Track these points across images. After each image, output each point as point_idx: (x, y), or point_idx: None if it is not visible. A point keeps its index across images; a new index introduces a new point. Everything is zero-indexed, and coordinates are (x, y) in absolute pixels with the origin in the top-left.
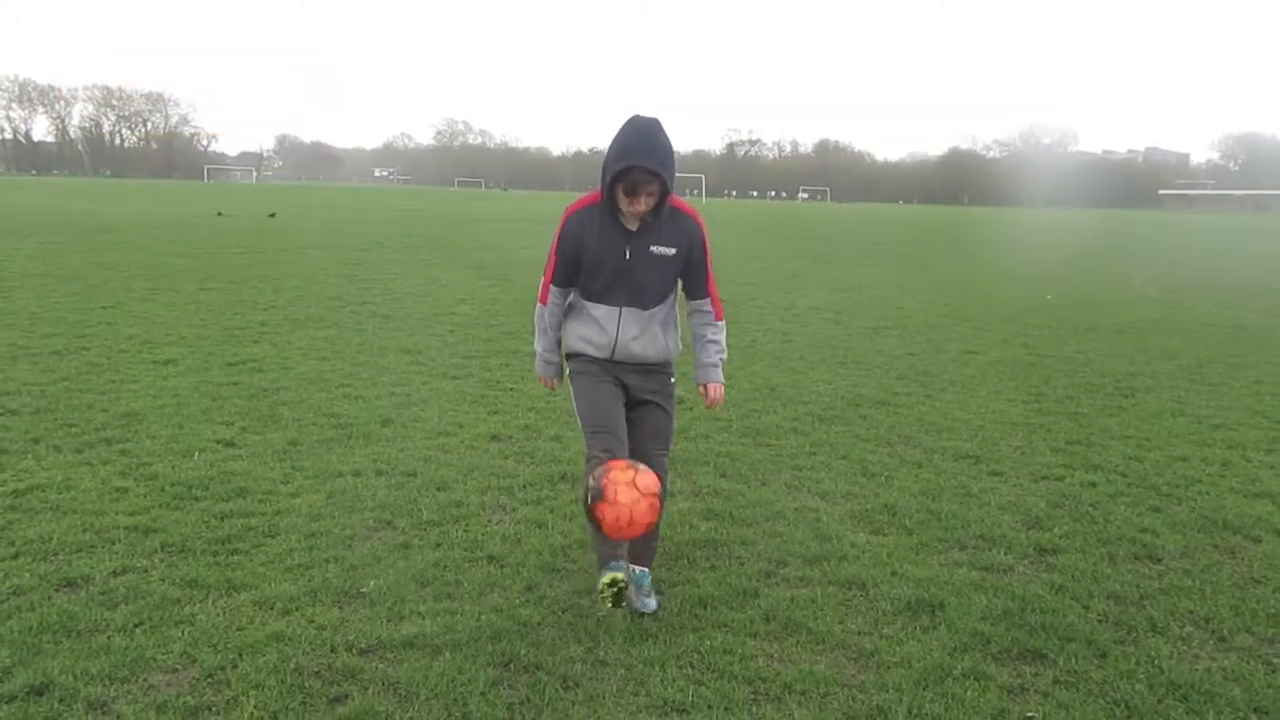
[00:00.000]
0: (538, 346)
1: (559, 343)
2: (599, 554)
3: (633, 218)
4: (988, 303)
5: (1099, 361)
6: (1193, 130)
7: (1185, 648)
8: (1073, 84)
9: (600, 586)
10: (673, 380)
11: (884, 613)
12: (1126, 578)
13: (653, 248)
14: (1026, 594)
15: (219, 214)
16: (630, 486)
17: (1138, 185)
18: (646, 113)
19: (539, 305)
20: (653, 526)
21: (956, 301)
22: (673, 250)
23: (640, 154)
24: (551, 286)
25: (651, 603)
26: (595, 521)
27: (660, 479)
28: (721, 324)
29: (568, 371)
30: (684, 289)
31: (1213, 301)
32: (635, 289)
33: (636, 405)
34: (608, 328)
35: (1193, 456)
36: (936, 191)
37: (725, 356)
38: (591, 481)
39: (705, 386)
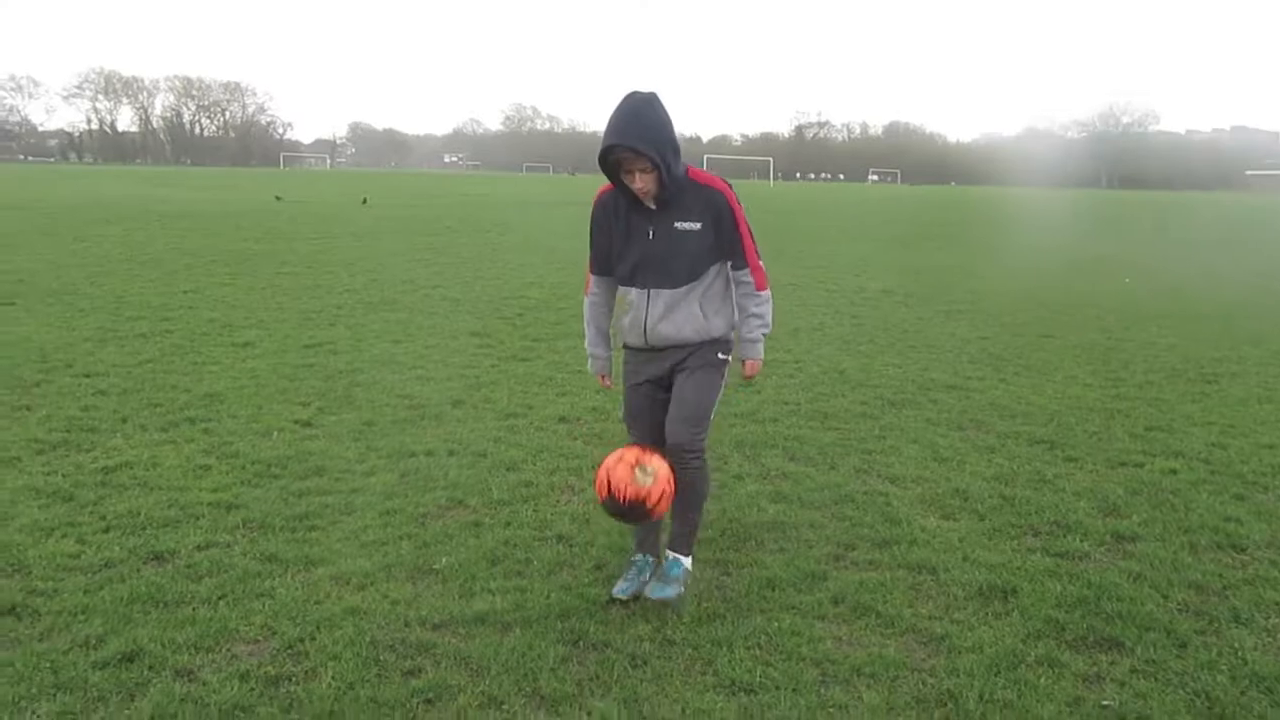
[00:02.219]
0: (587, 344)
1: (608, 336)
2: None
3: (644, 196)
4: (1063, 286)
5: (1181, 346)
6: None
7: (1271, 639)
8: (1154, 60)
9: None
10: (721, 355)
11: (955, 598)
12: (1208, 567)
13: (677, 224)
14: (1103, 582)
15: (277, 198)
16: (619, 460)
17: (1223, 166)
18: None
19: (584, 297)
20: (638, 502)
21: (1030, 285)
22: (698, 224)
23: (618, 133)
24: (592, 276)
25: (667, 590)
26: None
27: (690, 451)
28: (764, 294)
29: (606, 384)
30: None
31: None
32: (662, 269)
33: (676, 380)
34: (638, 312)
35: None
36: (1008, 173)
37: (769, 330)
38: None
39: (743, 362)
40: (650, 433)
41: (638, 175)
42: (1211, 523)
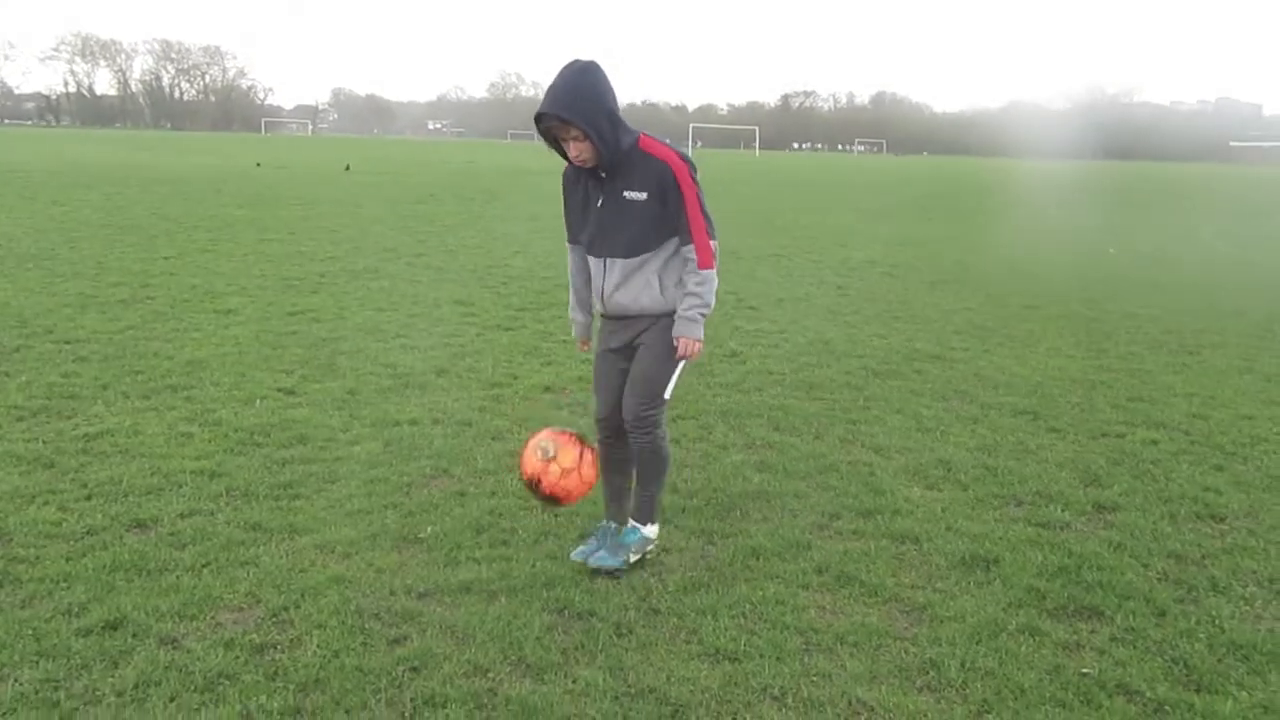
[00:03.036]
0: (569, 310)
1: (588, 303)
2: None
3: (582, 163)
4: (1047, 257)
5: (1164, 318)
6: (1270, 79)
7: (1248, 608)
8: (1139, 31)
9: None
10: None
11: (938, 567)
12: (1188, 536)
13: (625, 193)
14: (1084, 551)
15: (258, 165)
16: (532, 437)
17: (1207, 137)
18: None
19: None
20: (535, 485)
21: (1015, 256)
22: (644, 195)
23: (548, 102)
24: (568, 245)
25: (612, 560)
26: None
27: (639, 425)
28: (706, 273)
29: (583, 348)
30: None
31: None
32: (613, 237)
33: (636, 353)
34: (596, 279)
35: (1260, 415)
36: (994, 144)
37: (707, 310)
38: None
39: (676, 340)
40: (609, 401)
41: (572, 143)
42: (1191, 493)
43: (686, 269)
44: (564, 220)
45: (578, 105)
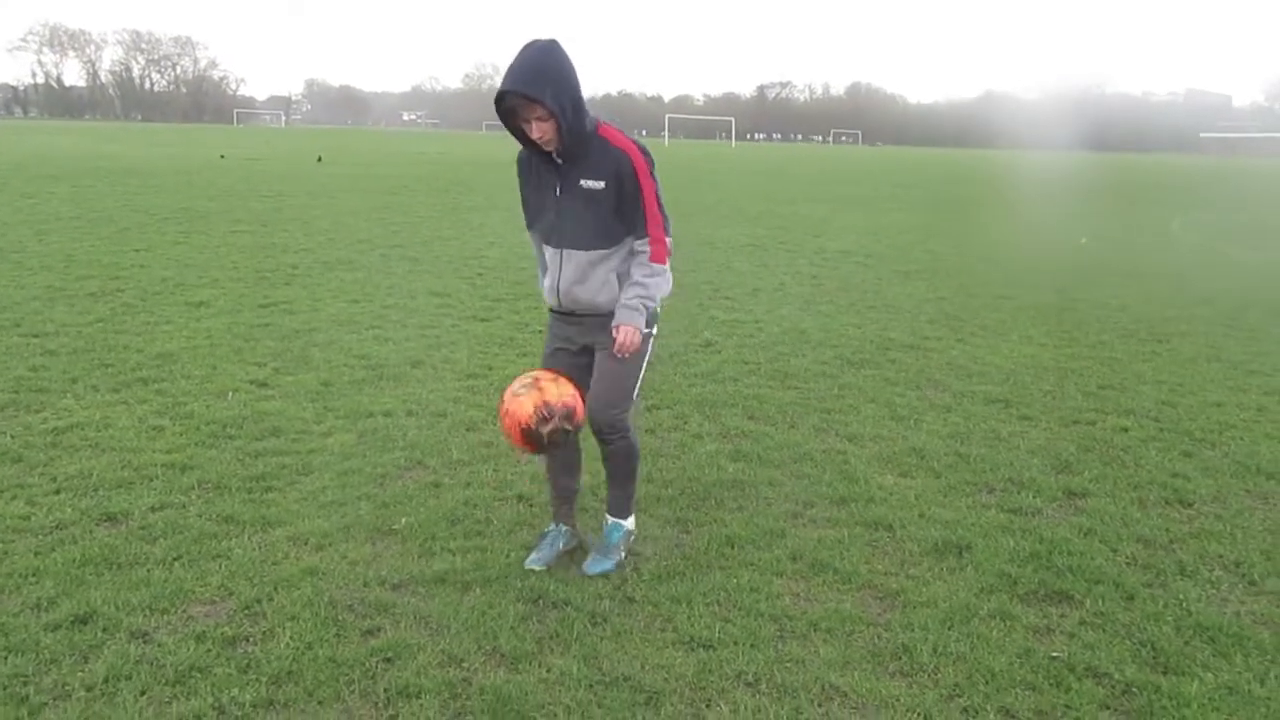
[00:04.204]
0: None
1: None
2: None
3: (545, 145)
4: (1020, 247)
5: (1134, 306)
6: (1238, 72)
7: (1214, 591)
8: (1110, 24)
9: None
10: (645, 329)
11: (911, 554)
12: (1156, 522)
13: (582, 181)
14: (1054, 537)
15: (221, 156)
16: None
17: (1177, 128)
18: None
19: None
20: (524, 435)
21: (987, 246)
22: (601, 184)
23: (511, 79)
24: (527, 230)
25: (606, 563)
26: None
27: (612, 430)
28: (657, 267)
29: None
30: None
31: (1252, 246)
32: (570, 228)
33: (597, 356)
34: (552, 271)
35: (1227, 402)
36: (970, 135)
37: (652, 304)
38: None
39: (615, 328)
40: None
41: (535, 124)
42: (1160, 479)
43: (636, 261)
44: (522, 206)
45: (542, 83)
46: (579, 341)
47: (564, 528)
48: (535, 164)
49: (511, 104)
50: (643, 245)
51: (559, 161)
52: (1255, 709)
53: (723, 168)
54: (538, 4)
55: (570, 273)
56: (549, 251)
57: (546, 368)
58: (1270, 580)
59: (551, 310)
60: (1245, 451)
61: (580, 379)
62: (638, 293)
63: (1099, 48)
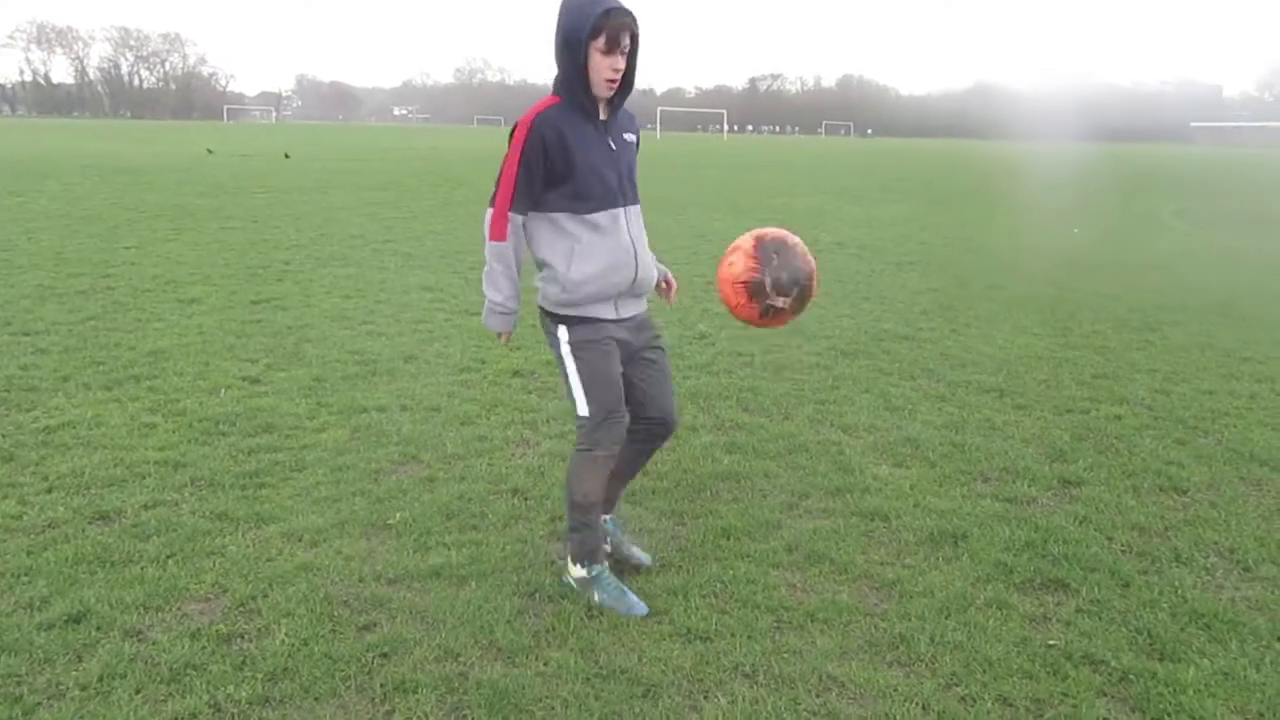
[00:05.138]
0: (496, 295)
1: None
2: (583, 547)
3: (608, 91)
4: (1013, 237)
5: (1127, 296)
6: (1229, 63)
7: (1209, 578)
8: (1101, 13)
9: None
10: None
11: (906, 544)
12: (1151, 509)
13: (624, 134)
14: (1050, 525)
15: (209, 151)
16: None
17: (1168, 118)
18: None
19: (494, 244)
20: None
21: (981, 236)
22: (634, 137)
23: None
24: (511, 215)
25: (643, 554)
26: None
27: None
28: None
29: (568, 339)
30: None
31: (1243, 235)
32: (629, 182)
33: (642, 366)
34: (623, 237)
35: (1220, 390)
36: (960, 126)
37: None
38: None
39: (665, 281)
40: (622, 399)
41: (619, 57)
42: (1154, 466)
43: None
44: (518, 185)
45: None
46: (631, 343)
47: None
48: (578, 126)
49: (620, 21)
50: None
51: (603, 119)
52: (1251, 694)
53: (715, 160)
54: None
55: (638, 230)
56: (607, 217)
57: (611, 391)
58: (1264, 566)
59: (592, 318)
60: (1238, 439)
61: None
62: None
63: (1090, 38)
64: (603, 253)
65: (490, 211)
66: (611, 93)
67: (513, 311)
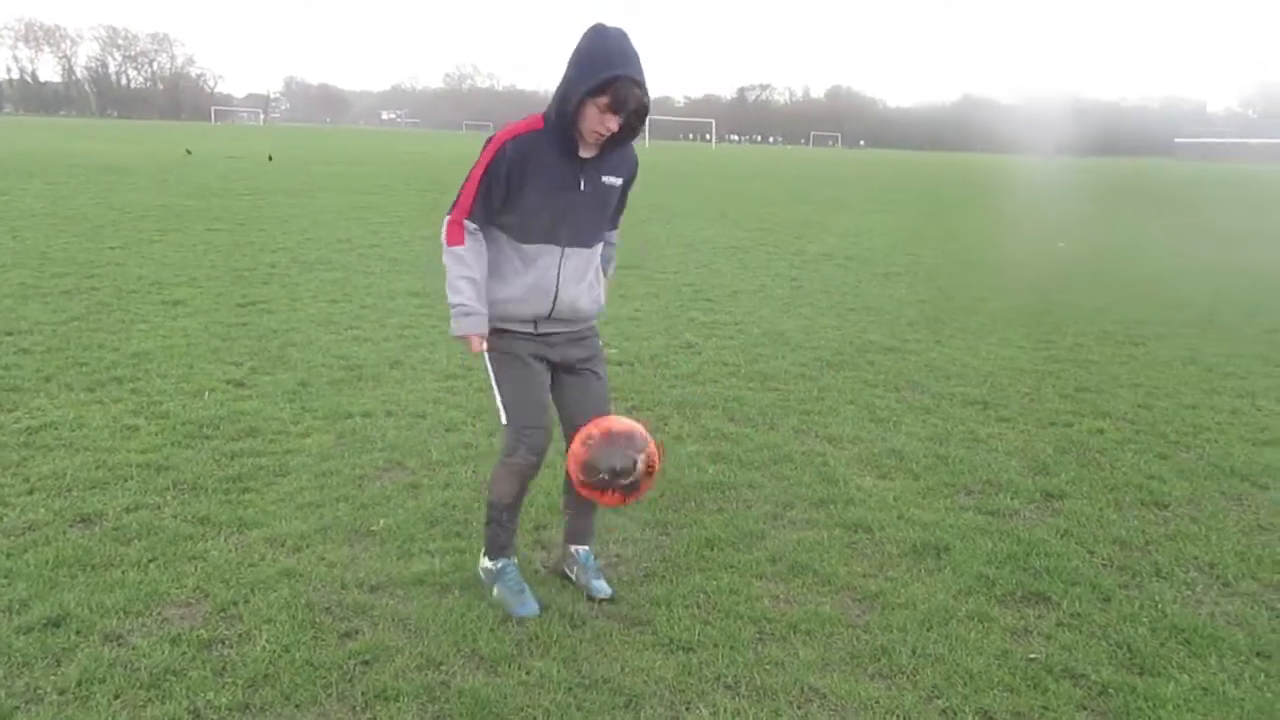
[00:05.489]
0: (456, 297)
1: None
2: (494, 542)
3: (595, 141)
4: (998, 250)
5: (1111, 309)
6: (1213, 79)
7: (1189, 592)
8: (1085, 31)
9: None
10: (600, 342)
11: (889, 555)
12: (1132, 523)
13: (604, 178)
14: (1032, 538)
15: (187, 152)
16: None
17: (1152, 134)
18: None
19: (450, 249)
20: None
21: (967, 249)
22: (619, 181)
23: (625, 64)
24: (466, 223)
25: (605, 585)
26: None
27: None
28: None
29: (485, 347)
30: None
31: (1227, 250)
32: (582, 225)
33: (567, 373)
34: (547, 274)
35: (1202, 404)
36: (948, 139)
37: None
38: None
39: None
40: (546, 420)
41: (615, 119)
42: (1136, 481)
43: (609, 254)
44: (476, 196)
45: (643, 73)
46: (551, 359)
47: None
48: (539, 157)
49: (625, 93)
50: (613, 236)
51: (584, 156)
52: (1230, 710)
53: (703, 169)
54: (518, 5)
55: (569, 273)
56: (539, 250)
57: (528, 402)
58: (1244, 581)
59: (512, 326)
60: (1219, 454)
61: (547, 397)
62: (614, 266)
63: (1075, 54)
64: (522, 284)
65: (447, 218)
66: (597, 143)
67: (477, 313)
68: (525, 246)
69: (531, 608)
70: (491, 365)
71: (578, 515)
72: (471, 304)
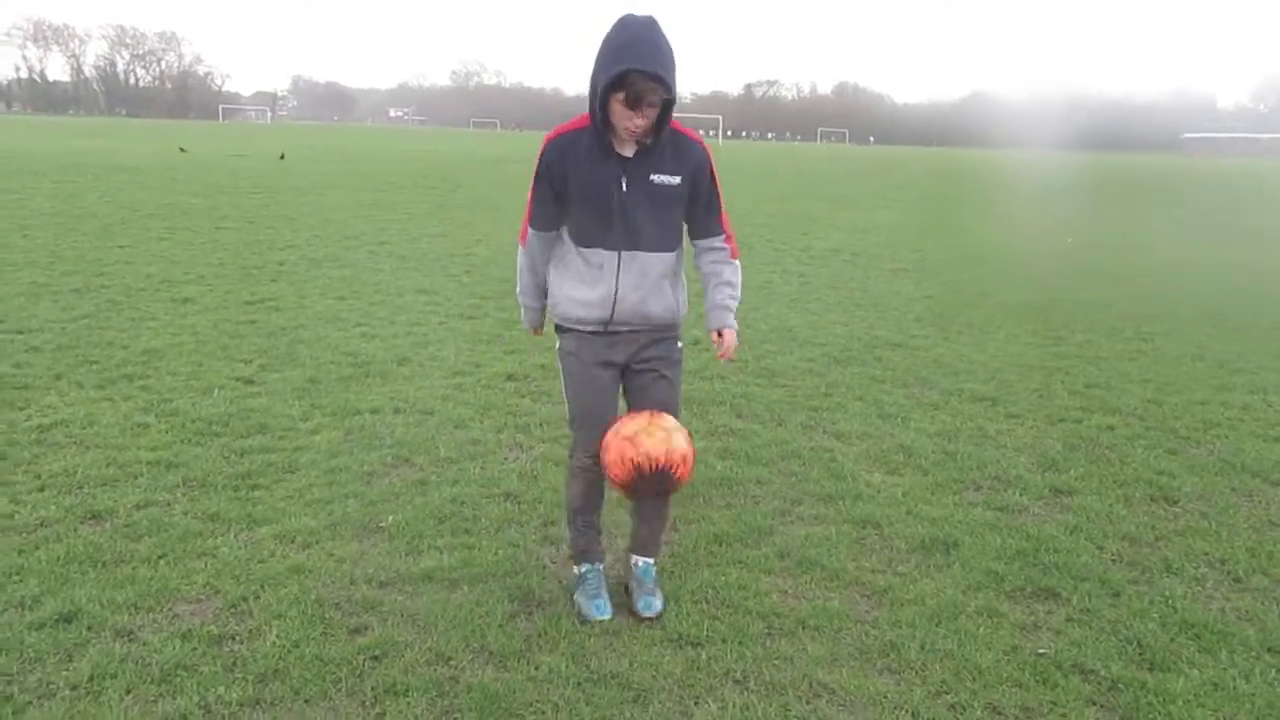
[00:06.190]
0: (520, 295)
1: (544, 289)
2: (574, 547)
3: (629, 138)
4: (1006, 246)
5: (1119, 305)
6: (1222, 73)
7: (1199, 588)
8: (1095, 25)
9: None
10: (680, 345)
11: (898, 551)
12: (1142, 519)
13: (653, 177)
14: (1041, 534)
15: (181, 149)
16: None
17: (1161, 129)
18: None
19: (519, 248)
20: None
21: (974, 244)
22: (677, 179)
23: (638, 56)
24: (530, 230)
25: (656, 603)
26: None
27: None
28: (737, 264)
29: (557, 346)
30: (689, 228)
31: (1236, 245)
32: (634, 228)
33: (635, 376)
34: (605, 278)
35: (1212, 400)
36: (955, 134)
37: (739, 300)
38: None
39: (720, 332)
40: (605, 412)
41: (645, 111)
42: (1145, 476)
43: (714, 258)
44: (533, 204)
45: (670, 68)
46: (617, 362)
47: (600, 566)
48: (582, 158)
49: (639, 84)
50: (718, 243)
51: (626, 156)
52: (1240, 705)
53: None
54: (525, 3)
55: (632, 279)
56: (601, 254)
57: (585, 407)
58: (1255, 577)
59: (579, 327)
60: (1230, 449)
61: (611, 402)
62: (730, 294)
63: (1084, 49)
64: (585, 287)
65: (523, 222)
66: (633, 139)
67: (532, 308)
68: (584, 249)
69: (595, 613)
70: (560, 365)
71: (642, 523)
72: (523, 298)
